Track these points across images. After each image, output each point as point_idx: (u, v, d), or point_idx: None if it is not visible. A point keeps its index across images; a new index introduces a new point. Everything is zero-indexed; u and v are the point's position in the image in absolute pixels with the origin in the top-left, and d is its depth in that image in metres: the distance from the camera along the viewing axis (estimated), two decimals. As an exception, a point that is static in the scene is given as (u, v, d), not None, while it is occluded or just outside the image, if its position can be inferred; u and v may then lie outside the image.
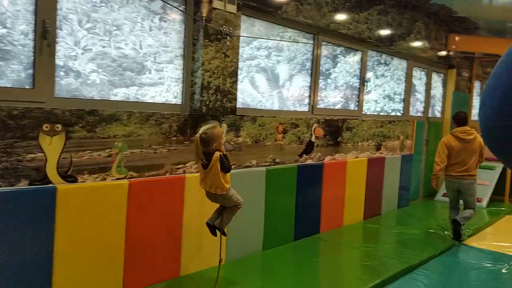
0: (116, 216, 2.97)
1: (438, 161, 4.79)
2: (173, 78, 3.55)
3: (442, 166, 4.77)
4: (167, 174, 3.37)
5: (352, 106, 5.37)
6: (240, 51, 3.89)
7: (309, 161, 4.60)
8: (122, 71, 3.21)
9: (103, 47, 3.07)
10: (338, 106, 5.16)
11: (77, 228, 2.77)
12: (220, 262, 3.08)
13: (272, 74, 4.35)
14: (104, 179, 3.00)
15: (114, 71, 3.17)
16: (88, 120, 2.89)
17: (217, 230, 3.02)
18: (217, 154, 2.72)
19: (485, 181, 6.62)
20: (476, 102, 8.26)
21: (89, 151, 2.93)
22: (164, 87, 3.50)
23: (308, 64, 4.71)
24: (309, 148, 4.60)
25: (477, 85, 8.19)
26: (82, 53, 2.96)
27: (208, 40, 3.55)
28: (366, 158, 5.32)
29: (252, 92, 4.17)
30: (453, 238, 4.71)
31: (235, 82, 3.78)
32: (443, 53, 6.78)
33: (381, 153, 5.64)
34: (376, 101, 5.76)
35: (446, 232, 4.99)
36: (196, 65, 3.57)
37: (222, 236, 3.09)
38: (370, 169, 5.34)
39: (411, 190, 6.34)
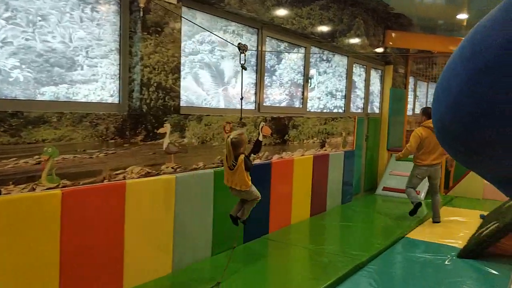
0: (49, 230, 2.63)
1: (410, 148, 5.30)
2: (109, 75, 3.22)
3: (410, 153, 5.37)
4: (105, 181, 3.05)
5: (297, 104, 5.30)
6: (182, 45, 3.64)
7: (257, 161, 4.46)
8: (50, 67, 2.84)
9: (26, 40, 2.69)
10: (283, 104, 5.07)
11: (3, 246, 2.40)
12: (234, 247, 3.47)
13: (217, 70, 4.14)
14: (33, 189, 2.64)
15: (40, 68, 2.79)
16: (11, 123, 2.52)
17: (238, 220, 3.40)
18: (242, 156, 3.11)
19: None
20: (411, 97, 8.62)
21: (14, 159, 2.55)
22: (98, 84, 3.16)
23: (253, 60, 4.55)
24: (257, 147, 4.44)
25: (411, 81, 8.53)
26: (0, 47, 2.56)
27: (146, 32, 3.26)
28: (312, 155, 5.29)
29: (196, 90, 3.93)
30: (410, 213, 5.39)
31: (178, 79, 3.53)
32: (381, 49, 6.95)
33: (325, 150, 5.64)
34: (319, 98, 5.75)
35: (390, 225, 5.09)
36: (134, 60, 3.27)
37: (235, 225, 3.45)
38: (315, 167, 5.31)
39: (353, 185, 6.44)
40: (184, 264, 3.56)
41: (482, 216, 5.60)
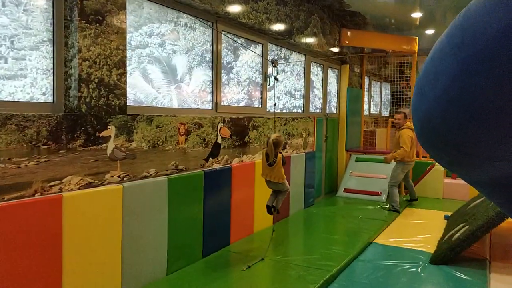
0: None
1: (407, 149, 5.90)
2: (40, 69, 2.73)
3: (406, 153, 5.94)
4: (37, 194, 2.55)
5: (256, 103, 4.97)
6: (128, 36, 3.19)
7: (216, 165, 4.07)
8: (-40, 57, 2.32)
9: None
10: (242, 104, 4.72)
11: None
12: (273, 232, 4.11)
13: (168, 66, 3.72)
14: None
15: None
16: None
17: (273, 210, 3.90)
18: (280, 155, 3.71)
19: (381, 175, 6.78)
20: (366, 98, 8.56)
21: None
22: (27, 80, 2.66)
23: (209, 56, 4.17)
24: (215, 150, 4.07)
25: (366, 81, 8.47)
26: None
27: (85, 21, 2.80)
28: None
29: (145, 87, 3.49)
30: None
31: (123, 74, 3.08)
32: (337, 48, 6.79)
33: (286, 152, 5.35)
34: (278, 97, 5.46)
35: (356, 229, 4.87)
36: (70, 53, 2.80)
37: (270, 214, 3.98)
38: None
39: (315, 187, 6.20)
40: (135, 286, 3.10)
41: (446, 217, 5.53)
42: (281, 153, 3.78)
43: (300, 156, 5.63)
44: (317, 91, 6.65)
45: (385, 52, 7.75)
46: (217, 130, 4.07)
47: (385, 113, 10.43)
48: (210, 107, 4.18)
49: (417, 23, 7.48)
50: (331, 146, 7.07)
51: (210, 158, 4.01)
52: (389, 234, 4.80)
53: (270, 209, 3.92)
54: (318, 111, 6.69)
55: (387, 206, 5.97)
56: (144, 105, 3.44)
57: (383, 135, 9.33)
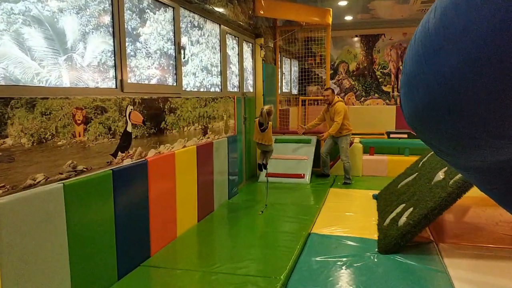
0: None
1: (340, 122, 6.06)
2: None
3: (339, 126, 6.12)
4: None
5: (170, 81, 4.11)
6: (-12, -18, 2.15)
7: (127, 161, 3.18)
8: None
9: None
10: (154, 81, 3.83)
11: None
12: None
13: (54, 29, 2.70)
14: None
15: None
16: None
17: (263, 167, 4.86)
18: (271, 123, 4.66)
19: (303, 156, 6.40)
20: (279, 75, 8.08)
21: None
22: None
23: (108, 19, 3.20)
24: (125, 141, 3.17)
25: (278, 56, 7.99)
26: None
27: None
28: (195, 145, 4.20)
29: (21, 59, 2.46)
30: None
31: (-17, 38, 2.05)
32: (251, 19, 6.14)
33: (208, 137, 4.60)
34: (194, 74, 4.65)
35: (289, 219, 4.37)
36: None
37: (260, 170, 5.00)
38: (200, 159, 4.25)
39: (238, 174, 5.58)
40: None
41: (374, 196, 5.31)
42: (271, 121, 4.64)
43: (223, 141, 4.93)
44: (234, 67, 5.95)
45: (300, 25, 7.33)
46: (126, 116, 3.17)
47: (295, 91, 10.17)
48: (114, 86, 3.24)
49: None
50: (250, 128, 6.47)
51: (120, 152, 3.11)
52: (324, 221, 4.37)
53: (261, 166, 4.88)
54: (235, 89, 6.01)
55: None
56: (21, 84, 2.42)
57: (295, 114, 9.02)
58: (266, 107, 4.59)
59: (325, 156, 6.47)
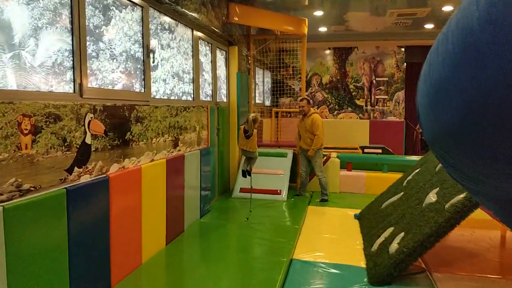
0: None
1: (322, 136, 5.87)
2: None
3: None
4: None
5: (137, 87, 3.68)
6: None
7: (85, 178, 2.71)
8: None
9: None
10: (119, 86, 3.38)
11: None
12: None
13: (-3, 19, 2.24)
14: None
15: None
16: None
17: (247, 174, 4.99)
18: (255, 131, 4.79)
19: (278, 170, 6.06)
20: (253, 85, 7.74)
21: None
22: None
23: (66, 13, 2.76)
24: (83, 155, 2.70)
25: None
26: None
27: None
28: (164, 158, 3.77)
29: (-50, 52, 1.99)
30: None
31: None
32: (225, 26, 5.79)
33: (179, 150, 4.17)
34: (165, 80, 4.23)
35: (267, 242, 3.98)
36: None
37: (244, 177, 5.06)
38: (169, 174, 3.82)
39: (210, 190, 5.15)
40: None
41: (356, 216, 5.02)
42: (256, 129, 4.76)
43: (195, 154, 4.51)
44: (207, 75, 5.56)
45: (275, 34, 7.04)
46: (84, 125, 2.72)
47: (267, 102, 9.87)
48: (71, 90, 2.78)
49: (306, 3, 6.91)
50: (223, 139, 6.08)
51: (76, 168, 2.64)
52: (305, 245, 4.01)
53: (244, 173, 4.99)
54: (208, 99, 5.61)
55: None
56: (-51, 83, 1.95)
57: (268, 126, 8.70)
58: (252, 114, 4.76)
59: (304, 177, 6.09)
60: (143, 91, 3.74)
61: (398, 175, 6.36)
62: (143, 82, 3.76)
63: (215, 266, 3.48)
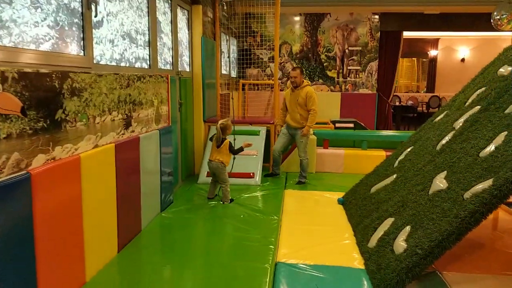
0: None
1: (317, 111, 5.22)
2: None
3: None
4: None
5: (74, 48, 2.80)
6: None
7: (-11, 179, 1.89)
8: None
9: None
10: (46, 46, 2.51)
11: None
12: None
13: None
14: None
15: None
16: None
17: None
18: (227, 141, 4.27)
19: (250, 151, 5.34)
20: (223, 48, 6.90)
21: None
22: None
23: None
24: (-16, 145, 1.86)
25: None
26: None
27: None
28: (113, 143, 2.95)
29: None
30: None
31: None
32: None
33: (132, 131, 3.35)
34: (112, 42, 3.35)
35: (245, 241, 3.31)
36: None
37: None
38: (120, 162, 3.01)
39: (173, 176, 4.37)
40: None
41: (340, 201, 4.43)
42: (227, 139, 4.29)
43: (153, 135, 3.70)
44: (166, 38, 4.68)
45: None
46: (-12, 100, 1.87)
47: (233, 74, 9.04)
48: (-32, 50, 1.91)
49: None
50: (186, 116, 5.27)
51: (-25, 163, 1.81)
52: (289, 241, 3.35)
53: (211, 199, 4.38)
54: (168, 67, 4.75)
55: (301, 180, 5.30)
56: None
57: (235, 100, 7.92)
58: (221, 121, 4.26)
59: (278, 155, 5.47)
60: (82, 54, 2.88)
61: (378, 152, 5.87)
62: (82, 42, 2.89)
63: (179, 276, 2.77)
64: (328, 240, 3.39)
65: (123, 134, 3.17)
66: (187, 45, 5.49)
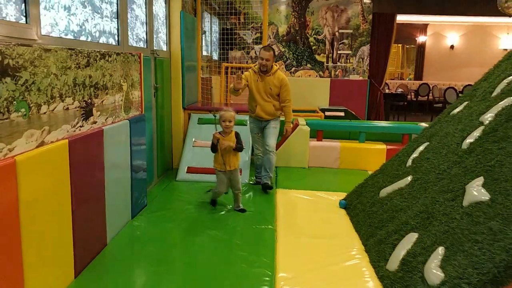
0: None
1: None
2: None
3: None
4: None
5: (11, 13, 2.08)
6: None
7: None
8: None
9: None
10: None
11: None
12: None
13: None
14: None
15: None
16: None
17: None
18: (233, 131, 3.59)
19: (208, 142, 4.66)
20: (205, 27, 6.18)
21: None
22: None
23: None
24: None
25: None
26: None
27: None
28: (66, 139, 2.26)
29: None
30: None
31: None
32: None
33: (94, 122, 2.65)
34: (68, 9, 2.63)
35: (234, 258, 2.70)
36: None
37: None
38: (76, 163, 2.33)
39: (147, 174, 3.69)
40: None
41: (342, 205, 3.85)
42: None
43: (121, 126, 3.01)
44: (139, 10, 3.94)
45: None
46: None
47: (215, 56, 8.32)
48: None
49: None
50: (163, 102, 4.57)
51: None
52: (290, 262, 2.74)
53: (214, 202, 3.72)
54: (142, 45, 4.03)
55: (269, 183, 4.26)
56: None
57: (217, 85, 7.22)
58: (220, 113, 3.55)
59: (261, 158, 4.43)
60: (23, 21, 2.15)
61: (378, 146, 5.33)
62: (23, 6, 2.16)
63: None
64: (335, 259, 2.79)
65: (81, 126, 2.47)
66: (164, 21, 4.74)
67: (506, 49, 12.82)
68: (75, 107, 2.39)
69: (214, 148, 3.52)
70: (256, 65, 4.28)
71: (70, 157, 2.26)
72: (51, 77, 2.14)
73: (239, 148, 3.55)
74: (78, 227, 2.39)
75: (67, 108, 2.31)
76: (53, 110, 2.17)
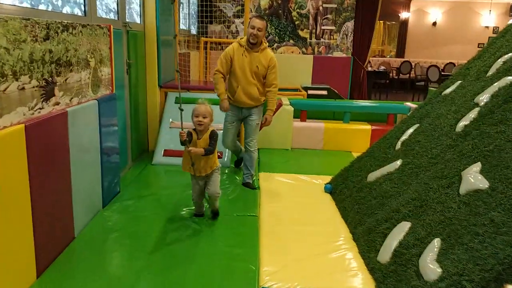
0: None
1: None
2: None
3: None
4: None
5: None
6: None
7: None
8: None
9: None
10: None
11: None
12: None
13: None
14: None
15: None
16: None
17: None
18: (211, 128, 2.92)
19: (218, 124, 4.42)
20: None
21: None
22: None
23: None
24: None
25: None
26: None
27: None
28: (22, 124, 1.98)
29: None
30: None
31: None
32: None
33: (56, 104, 2.36)
34: (22, -28, 2.30)
35: (220, 255, 2.51)
36: None
37: None
38: (35, 150, 2.06)
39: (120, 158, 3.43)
40: None
41: (328, 189, 3.68)
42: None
43: (88, 107, 2.73)
44: (108, -21, 3.59)
45: None
46: None
47: (194, 30, 7.93)
48: None
49: None
50: (137, 79, 4.25)
51: None
52: (272, 253, 2.57)
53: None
54: (112, 16, 3.68)
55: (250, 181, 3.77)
56: None
57: (195, 61, 6.89)
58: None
59: (233, 148, 4.05)
60: (-36, -15, 1.83)
61: (363, 126, 5.16)
62: (-36, -34, 1.83)
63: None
64: (321, 249, 2.62)
65: (40, 109, 2.19)
66: (138, -10, 4.38)
67: (487, 27, 12.77)
68: (33, 87, 2.10)
69: (182, 143, 2.83)
70: (242, 37, 3.72)
71: (28, 144, 1.99)
72: (1, 51, 1.84)
73: (208, 152, 2.77)
74: (39, 220, 2.13)
75: (23, 88, 2.02)
76: (4, 90, 1.88)
